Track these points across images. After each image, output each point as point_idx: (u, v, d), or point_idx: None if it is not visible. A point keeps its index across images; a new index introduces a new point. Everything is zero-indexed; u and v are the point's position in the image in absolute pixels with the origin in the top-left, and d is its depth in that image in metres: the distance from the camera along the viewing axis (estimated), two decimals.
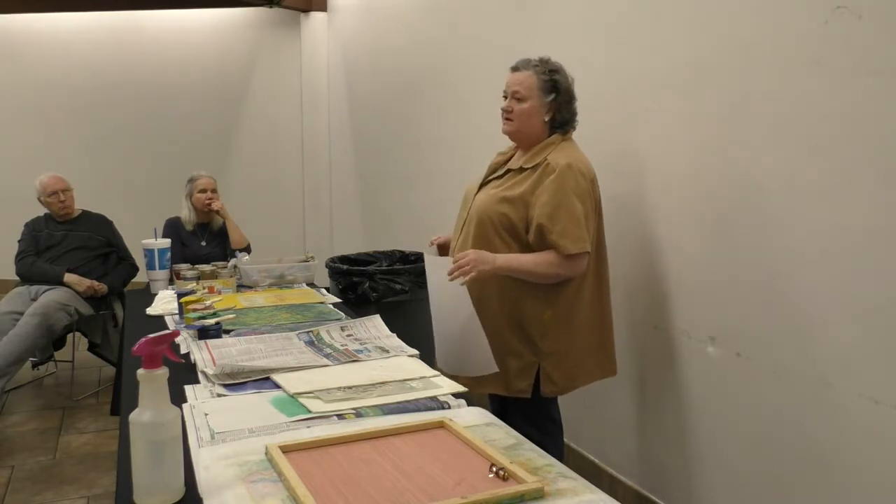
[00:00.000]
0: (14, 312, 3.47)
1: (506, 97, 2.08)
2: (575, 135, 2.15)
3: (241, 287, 2.80)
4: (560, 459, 1.23)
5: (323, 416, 1.38)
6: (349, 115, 5.59)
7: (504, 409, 2.14)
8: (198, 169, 3.88)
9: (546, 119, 2.05)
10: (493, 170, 2.20)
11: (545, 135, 2.07)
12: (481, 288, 2.04)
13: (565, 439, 2.66)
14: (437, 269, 2.02)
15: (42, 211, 3.90)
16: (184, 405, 1.45)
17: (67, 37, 6.08)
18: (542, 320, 2.03)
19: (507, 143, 2.22)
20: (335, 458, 1.19)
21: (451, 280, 1.92)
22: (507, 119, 2.07)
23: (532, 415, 2.11)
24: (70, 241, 3.79)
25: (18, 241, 3.81)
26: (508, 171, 2.11)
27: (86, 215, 3.95)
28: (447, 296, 2.01)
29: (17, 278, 3.78)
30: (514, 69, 2.08)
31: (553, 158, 1.99)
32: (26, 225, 3.86)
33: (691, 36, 2.09)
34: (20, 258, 3.74)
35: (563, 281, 2.01)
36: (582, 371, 2.09)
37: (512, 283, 2.03)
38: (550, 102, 2.04)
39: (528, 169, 2.04)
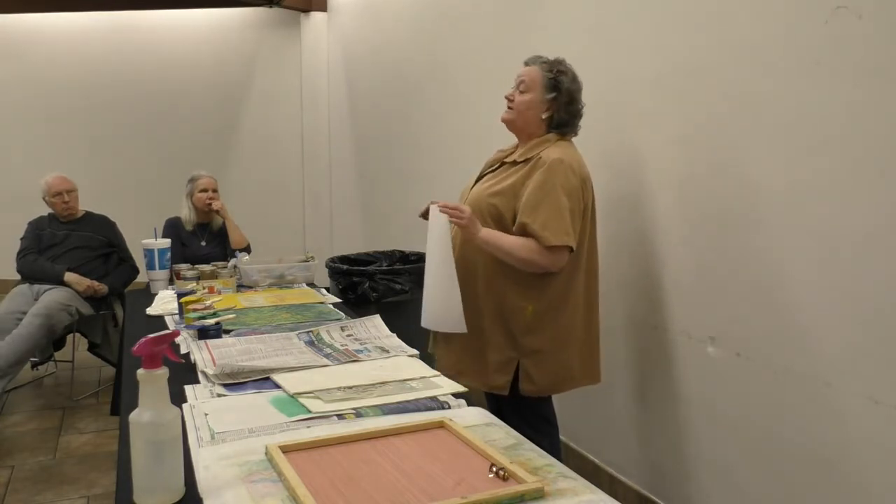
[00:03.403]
0: (18, 312, 3.48)
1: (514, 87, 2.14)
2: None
3: (241, 287, 2.80)
4: (558, 459, 1.23)
5: (323, 416, 1.38)
6: (349, 115, 5.59)
7: (500, 408, 2.14)
8: (198, 169, 3.89)
9: (543, 116, 2.08)
10: (489, 166, 2.23)
11: (541, 132, 2.09)
12: (466, 280, 2.07)
13: (565, 439, 2.67)
14: (435, 220, 2.03)
15: (46, 210, 3.91)
16: (184, 405, 1.45)
17: (68, 37, 6.08)
18: (524, 315, 2.04)
19: (506, 142, 2.23)
20: (335, 458, 1.19)
21: (441, 211, 1.98)
22: (508, 107, 2.13)
23: (527, 415, 2.11)
24: (72, 240, 3.81)
25: (21, 239, 3.82)
26: (503, 164, 2.14)
27: (89, 216, 3.96)
28: (436, 248, 2.04)
29: (16, 279, 3.79)
30: (525, 63, 2.13)
31: (546, 154, 2.01)
32: (30, 223, 3.88)
33: (690, 36, 2.09)
34: (22, 255, 3.76)
35: (547, 278, 2.02)
36: (565, 375, 2.09)
37: (497, 274, 2.05)
38: (550, 100, 2.06)
39: (520, 163, 2.06)
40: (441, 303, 2.04)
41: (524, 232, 1.98)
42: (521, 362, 2.05)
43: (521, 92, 2.09)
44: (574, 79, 2.09)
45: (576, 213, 1.99)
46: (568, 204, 1.96)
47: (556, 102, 2.06)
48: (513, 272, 2.03)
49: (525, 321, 2.04)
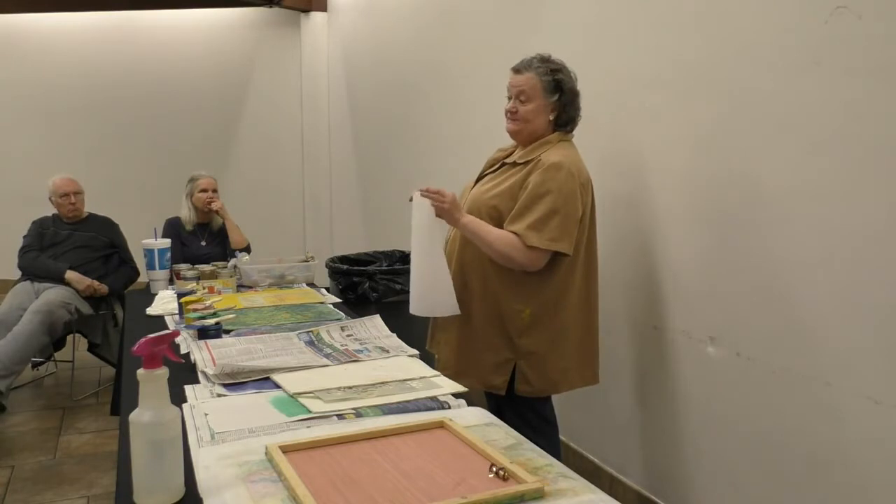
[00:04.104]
0: (21, 308, 3.50)
1: (510, 98, 2.09)
2: (575, 134, 2.15)
3: (241, 287, 2.80)
4: (557, 459, 1.23)
5: (323, 416, 1.38)
6: (349, 115, 5.59)
7: (499, 408, 2.15)
8: (198, 169, 3.89)
9: (551, 118, 2.07)
10: (489, 165, 2.22)
11: (548, 132, 2.08)
12: (464, 281, 2.08)
13: (565, 439, 2.67)
14: (420, 208, 2.04)
15: (48, 211, 3.92)
16: (184, 405, 1.45)
17: (68, 37, 6.08)
18: (521, 318, 2.04)
19: (506, 140, 2.22)
20: (335, 458, 1.19)
21: (422, 195, 1.99)
22: (511, 119, 2.09)
23: (526, 414, 2.11)
24: (74, 240, 3.82)
25: (24, 237, 3.83)
26: (503, 164, 2.13)
27: (92, 217, 3.98)
28: (423, 235, 2.04)
29: (18, 279, 3.79)
30: (516, 71, 2.08)
31: (546, 156, 2.00)
32: (33, 222, 3.90)
33: (691, 35, 2.09)
34: (24, 252, 3.78)
35: (543, 281, 2.02)
36: (562, 377, 2.08)
37: (493, 278, 2.05)
38: (555, 102, 2.05)
39: (521, 164, 2.05)
40: (432, 287, 2.04)
41: (512, 224, 1.97)
42: (518, 364, 2.05)
43: (523, 102, 2.05)
44: (570, 73, 2.08)
45: (572, 218, 1.97)
46: (563, 207, 1.95)
47: (560, 102, 2.05)
48: (508, 275, 2.03)
49: (522, 324, 2.04)
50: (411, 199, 2.05)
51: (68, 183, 3.85)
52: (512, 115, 2.08)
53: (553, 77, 2.04)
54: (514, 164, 2.08)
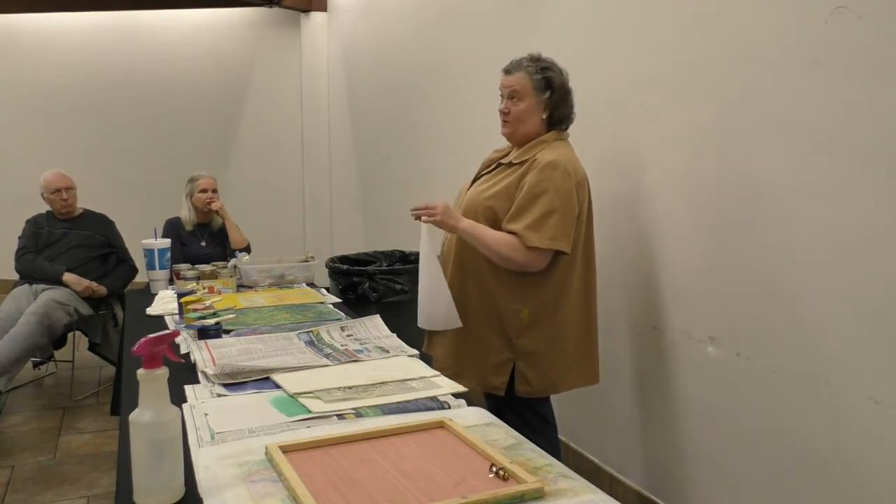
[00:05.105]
0: (21, 312, 3.48)
1: (502, 99, 2.10)
2: (574, 134, 2.15)
3: (240, 287, 2.80)
4: (557, 459, 1.23)
5: (323, 416, 1.38)
6: (349, 115, 5.59)
7: (499, 408, 2.15)
8: (198, 169, 3.89)
9: (544, 117, 2.07)
10: (485, 166, 2.22)
11: (542, 132, 2.08)
12: (462, 281, 2.08)
13: (565, 439, 2.67)
14: (424, 229, 2.07)
15: (44, 208, 3.90)
16: (184, 405, 1.45)
17: (68, 37, 6.08)
18: (520, 318, 2.04)
19: (504, 141, 2.22)
20: (335, 458, 1.19)
21: (414, 215, 2.01)
22: (504, 121, 2.09)
23: (525, 414, 2.11)
24: (70, 239, 3.80)
25: (19, 238, 3.81)
26: (499, 165, 2.13)
27: (87, 214, 3.95)
28: (422, 250, 2.06)
29: (16, 279, 3.78)
30: (507, 72, 2.09)
31: (542, 156, 2.00)
32: (27, 221, 3.86)
33: (691, 35, 2.09)
34: (20, 255, 3.75)
35: (541, 280, 2.02)
36: (561, 376, 2.08)
37: (491, 278, 2.05)
38: (546, 100, 2.05)
39: (516, 164, 2.06)
40: (431, 302, 2.05)
41: (511, 225, 1.98)
42: (517, 364, 2.05)
43: (515, 102, 2.06)
44: (560, 71, 2.08)
45: (569, 217, 1.97)
46: (560, 206, 1.95)
47: (552, 100, 2.06)
48: (506, 275, 2.03)
49: (520, 324, 2.04)
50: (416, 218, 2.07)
51: (60, 178, 3.81)
52: (505, 116, 2.09)
53: (543, 75, 2.04)
54: (510, 164, 2.08)
